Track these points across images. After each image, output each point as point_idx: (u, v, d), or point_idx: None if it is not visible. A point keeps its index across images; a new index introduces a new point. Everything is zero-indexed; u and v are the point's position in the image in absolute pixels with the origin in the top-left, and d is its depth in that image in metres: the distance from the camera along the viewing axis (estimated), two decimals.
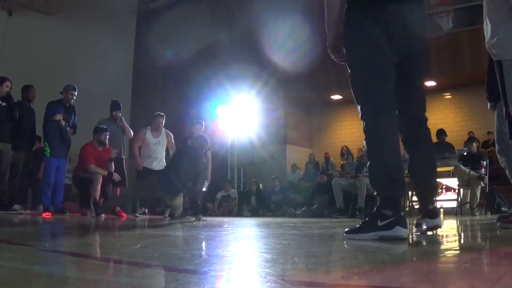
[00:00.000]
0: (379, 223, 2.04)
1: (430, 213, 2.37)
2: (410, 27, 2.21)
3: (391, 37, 2.17)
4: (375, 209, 2.13)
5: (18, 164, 6.57)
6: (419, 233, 2.42)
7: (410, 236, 2.44)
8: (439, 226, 2.40)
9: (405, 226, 2.05)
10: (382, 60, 2.17)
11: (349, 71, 2.27)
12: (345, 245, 2.05)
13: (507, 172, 3.42)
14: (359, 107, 2.24)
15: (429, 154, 2.44)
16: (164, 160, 7.00)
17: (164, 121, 7.11)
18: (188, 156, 5.64)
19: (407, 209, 7.75)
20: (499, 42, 2.48)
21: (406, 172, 2.42)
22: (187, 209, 6.82)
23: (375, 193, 2.21)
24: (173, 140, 7.20)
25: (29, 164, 7.15)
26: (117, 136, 6.99)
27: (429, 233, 2.40)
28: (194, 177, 5.67)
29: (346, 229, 2.25)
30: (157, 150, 6.95)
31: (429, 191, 2.48)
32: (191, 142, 5.99)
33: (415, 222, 2.56)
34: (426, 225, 2.36)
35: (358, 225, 2.18)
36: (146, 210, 6.78)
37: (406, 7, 2.20)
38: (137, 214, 6.55)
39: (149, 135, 6.98)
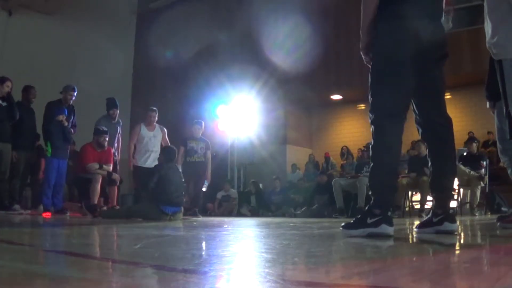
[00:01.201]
0: (368, 221, 2.22)
1: (450, 217, 2.43)
2: (436, 41, 2.36)
3: (418, 49, 2.28)
4: (367, 207, 2.30)
5: (19, 164, 6.57)
6: (434, 233, 2.42)
7: (410, 235, 2.45)
8: (456, 231, 2.47)
9: (390, 225, 2.22)
10: (404, 73, 2.29)
11: (371, 76, 2.39)
12: (345, 245, 2.06)
13: (509, 171, 3.42)
14: (369, 112, 2.35)
15: (451, 156, 2.51)
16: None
17: (156, 116, 7.08)
18: (170, 177, 5.55)
19: (407, 209, 7.76)
20: (499, 41, 2.48)
21: (406, 172, 2.48)
22: (186, 210, 6.82)
23: (369, 192, 2.34)
24: (166, 136, 7.17)
25: (30, 164, 7.15)
26: (112, 135, 6.97)
27: (448, 236, 2.39)
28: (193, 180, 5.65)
29: (343, 224, 2.41)
30: (154, 143, 6.92)
31: (448, 195, 2.56)
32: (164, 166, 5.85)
33: (421, 221, 2.58)
34: (446, 229, 2.40)
35: (352, 221, 2.34)
36: None
37: (432, 22, 2.36)
38: None
39: (144, 129, 6.96)
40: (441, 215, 2.41)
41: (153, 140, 6.93)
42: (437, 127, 2.45)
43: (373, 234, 2.17)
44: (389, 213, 2.26)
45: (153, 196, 5.43)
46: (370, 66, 2.43)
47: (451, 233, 2.41)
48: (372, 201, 2.26)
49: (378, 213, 2.20)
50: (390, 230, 2.20)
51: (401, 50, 2.27)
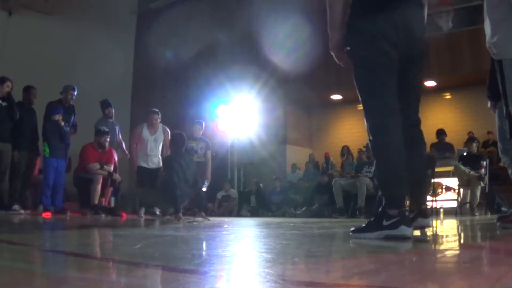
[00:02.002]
0: (385, 223, 2.08)
1: (423, 213, 2.44)
2: (412, 31, 2.25)
3: (393, 40, 2.21)
4: (380, 209, 2.17)
5: (20, 164, 6.57)
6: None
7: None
8: (430, 226, 2.50)
9: (409, 226, 2.10)
10: (386, 62, 2.21)
11: (354, 73, 2.31)
12: (345, 245, 2.06)
13: (509, 171, 3.42)
14: (363, 108, 2.28)
15: (422, 154, 2.50)
16: (159, 156, 6.84)
17: (159, 118, 6.93)
18: (181, 164, 5.54)
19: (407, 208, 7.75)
20: (499, 41, 2.48)
21: None
22: (187, 209, 6.81)
23: (379, 193, 2.25)
24: (169, 136, 6.92)
25: (31, 164, 7.14)
26: (110, 135, 6.96)
27: (416, 232, 2.44)
28: (194, 178, 5.64)
29: (352, 229, 2.27)
30: (153, 147, 6.79)
31: (422, 191, 2.56)
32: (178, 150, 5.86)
33: None
34: (418, 224, 2.43)
35: (364, 225, 2.21)
36: (157, 210, 6.62)
37: (408, 11, 2.24)
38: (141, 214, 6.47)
39: (145, 132, 6.82)
40: (415, 211, 2.42)
41: (153, 144, 6.79)
42: (408, 126, 2.37)
43: (391, 236, 2.05)
44: (407, 213, 2.16)
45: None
46: (342, 63, 2.37)
47: (425, 227, 2.45)
48: (384, 201, 2.15)
49: (394, 214, 2.08)
50: (408, 231, 2.08)
51: (382, 41, 2.19)
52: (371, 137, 2.24)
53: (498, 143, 3.53)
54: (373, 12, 2.21)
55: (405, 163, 2.19)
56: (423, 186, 2.56)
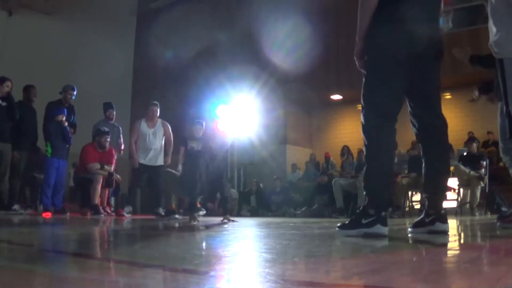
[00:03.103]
0: (363, 221, 2.24)
1: (442, 218, 2.45)
2: (431, 43, 2.35)
3: (408, 50, 2.28)
4: (361, 208, 2.32)
5: (20, 164, 6.57)
6: (427, 233, 2.44)
7: (410, 236, 2.45)
8: (448, 231, 2.49)
9: (385, 225, 2.25)
10: (398, 74, 2.30)
11: (365, 78, 2.40)
12: (345, 245, 2.06)
13: (510, 171, 3.42)
14: (362, 113, 2.36)
15: (443, 158, 2.53)
16: (162, 154, 6.76)
17: (158, 110, 6.84)
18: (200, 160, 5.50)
19: (407, 209, 7.75)
20: (500, 40, 2.48)
21: (406, 172, 2.50)
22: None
23: (364, 192, 2.34)
24: (170, 131, 6.89)
25: (32, 164, 7.14)
26: (111, 137, 6.95)
27: (438, 236, 2.41)
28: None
29: (338, 224, 2.43)
30: (153, 141, 6.68)
31: (441, 197, 2.55)
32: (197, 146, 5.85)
33: (414, 221, 2.58)
34: (437, 229, 2.43)
35: (347, 222, 2.37)
36: (179, 211, 6.51)
37: (428, 24, 2.34)
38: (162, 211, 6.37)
39: (143, 126, 6.71)
40: (433, 216, 2.44)
41: (152, 137, 6.69)
42: (430, 128, 2.47)
43: (368, 234, 2.20)
44: (384, 213, 2.27)
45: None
46: (363, 70, 2.45)
47: (442, 233, 2.43)
48: (366, 202, 2.28)
49: (372, 214, 2.22)
50: (384, 230, 2.23)
51: (394, 52, 2.28)
52: (365, 140, 2.33)
53: (500, 143, 3.53)
54: (390, 23, 2.29)
55: (392, 170, 2.39)
56: (442, 191, 2.56)
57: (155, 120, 6.81)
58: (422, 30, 2.30)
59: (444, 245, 2.07)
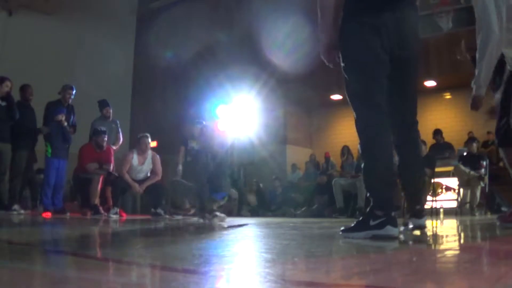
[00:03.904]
0: (371, 223, 2.14)
1: (417, 213, 2.49)
2: (404, 33, 2.29)
3: (386, 43, 2.24)
4: (368, 209, 2.23)
5: (20, 164, 6.57)
6: (405, 232, 2.50)
7: (400, 235, 2.46)
8: (424, 226, 2.52)
9: (395, 226, 2.15)
10: (377, 66, 2.25)
11: (345, 76, 2.34)
12: (345, 245, 2.06)
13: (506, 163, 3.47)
14: (354, 110, 2.31)
15: (417, 155, 2.57)
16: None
17: (149, 142, 6.78)
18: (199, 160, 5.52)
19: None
20: None
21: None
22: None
23: (367, 194, 2.29)
24: (159, 164, 6.80)
25: (31, 164, 7.14)
26: (110, 134, 6.93)
27: (415, 232, 2.50)
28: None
29: (342, 228, 2.33)
30: (139, 175, 6.67)
31: (416, 192, 2.58)
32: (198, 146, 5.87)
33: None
34: (413, 224, 2.49)
35: (353, 224, 2.27)
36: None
37: (401, 14, 2.27)
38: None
39: (135, 159, 6.66)
40: (410, 212, 2.51)
41: (140, 172, 6.68)
42: (404, 128, 2.46)
43: (377, 236, 2.11)
44: (394, 213, 2.20)
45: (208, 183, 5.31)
46: (336, 68, 2.41)
47: (419, 228, 2.48)
48: (372, 202, 2.20)
49: (381, 214, 2.13)
50: (394, 231, 2.14)
51: (367, 49, 2.22)
52: (360, 139, 2.29)
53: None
54: (365, 14, 2.24)
55: (393, 165, 2.28)
56: (417, 186, 2.58)
57: (146, 153, 6.74)
58: (399, 20, 2.24)
59: (453, 245, 2.08)
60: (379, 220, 2.12)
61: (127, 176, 6.51)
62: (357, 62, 2.27)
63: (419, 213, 2.48)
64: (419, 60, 2.49)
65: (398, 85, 2.35)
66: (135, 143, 7.00)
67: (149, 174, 6.76)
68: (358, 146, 2.38)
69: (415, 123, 2.51)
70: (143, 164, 6.71)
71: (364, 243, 2.03)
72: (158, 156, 6.81)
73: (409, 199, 2.56)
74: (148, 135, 6.85)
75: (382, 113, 2.23)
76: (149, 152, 6.79)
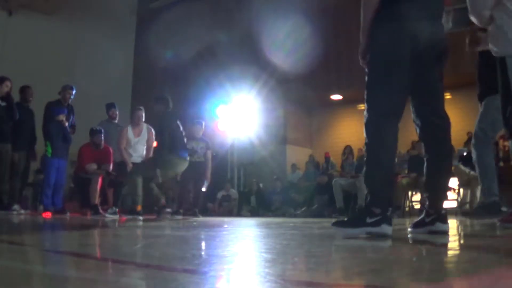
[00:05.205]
0: (368, 220, 2.16)
1: (442, 218, 2.43)
2: (434, 42, 2.37)
3: (415, 50, 2.28)
4: (364, 206, 2.25)
5: (19, 165, 6.57)
6: (428, 233, 2.42)
7: (410, 236, 2.45)
8: (448, 231, 2.47)
9: (390, 224, 2.20)
10: (400, 73, 2.29)
11: (367, 76, 2.38)
12: (345, 245, 2.06)
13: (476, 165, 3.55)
14: (365, 111, 2.34)
15: (449, 159, 2.54)
16: (143, 156, 6.72)
17: (143, 114, 6.79)
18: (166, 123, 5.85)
19: (407, 209, 7.75)
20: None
21: (406, 172, 2.51)
22: (186, 210, 6.80)
23: (366, 191, 2.29)
24: (154, 137, 6.74)
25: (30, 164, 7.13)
26: (113, 136, 6.92)
27: (440, 237, 2.40)
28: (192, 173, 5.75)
29: (333, 221, 2.37)
30: (136, 148, 6.66)
31: (441, 196, 2.53)
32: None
33: (414, 221, 2.58)
34: (437, 229, 2.41)
35: (346, 219, 2.31)
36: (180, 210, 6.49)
37: (431, 23, 2.35)
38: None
39: (130, 133, 6.65)
40: (433, 215, 2.42)
41: (137, 146, 6.67)
42: (434, 127, 2.46)
43: (373, 234, 2.15)
44: (388, 213, 2.24)
45: (171, 145, 5.77)
46: (366, 68, 2.44)
47: (443, 233, 2.41)
48: (369, 199, 2.23)
49: (378, 213, 2.16)
50: (389, 230, 2.18)
51: (397, 50, 2.27)
52: (366, 136, 2.31)
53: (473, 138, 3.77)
54: (392, 21, 2.29)
55: (394, 166, 2.34)
56: (444, 191, 2.54)
57: (141, 127, 6.73)
58: (424, 29, 2.30)
59: (444, 245, 2.08)
60: (376, 218, 2.15)
61: (124, 153, 6.50)
62: (384, 61, 2.31)
63: (444, 218, 2.43)
64: (445, 62, 2.56)
65: (426, 85, 2.43)
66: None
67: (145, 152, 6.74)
68: (363, 147, 2.40)
69: (443, 122, 2.50)
70: (139, 136, 6.70)
71: (365, 243, 2.03)
72: (153, 130, 6.72)
73: (433, 202, 2.47)
74: (142, 108, 6.85)
75: (391, 118, 2.28)
76: (144, 125, 6.79)
